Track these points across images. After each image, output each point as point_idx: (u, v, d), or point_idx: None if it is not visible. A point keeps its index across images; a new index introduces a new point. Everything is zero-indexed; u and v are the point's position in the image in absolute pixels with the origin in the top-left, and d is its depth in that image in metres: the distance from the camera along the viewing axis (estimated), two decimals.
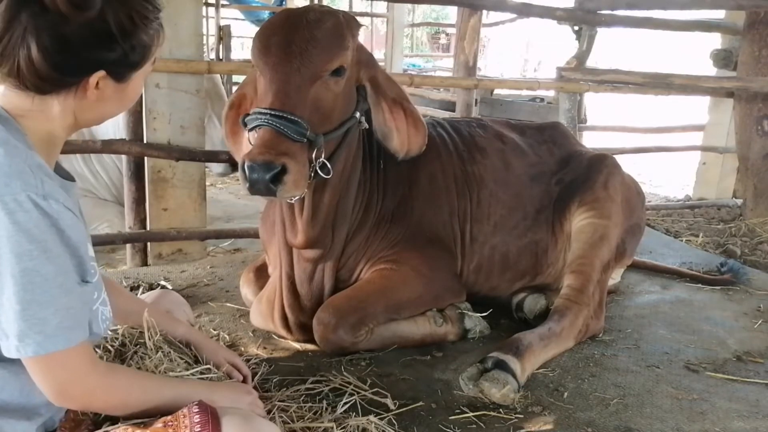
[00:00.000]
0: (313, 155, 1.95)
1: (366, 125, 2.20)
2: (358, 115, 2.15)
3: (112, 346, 1.56)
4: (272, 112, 1.88)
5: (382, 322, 2.31)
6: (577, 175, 2.78)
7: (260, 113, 1.90)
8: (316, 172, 1.98)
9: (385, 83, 2.22)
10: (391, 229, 2.41)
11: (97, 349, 1.51)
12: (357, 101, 2.17)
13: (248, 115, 1.98)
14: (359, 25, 2.15)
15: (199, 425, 1.15)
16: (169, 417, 1.19)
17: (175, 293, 1.99)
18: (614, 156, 2.95)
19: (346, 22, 2.07)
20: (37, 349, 1.09)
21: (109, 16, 1.14)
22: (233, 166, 3.49)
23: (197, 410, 1.18)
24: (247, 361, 2.10)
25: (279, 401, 1.84)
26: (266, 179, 1.80)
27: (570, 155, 2.89)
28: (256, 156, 1.82)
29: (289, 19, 2.03)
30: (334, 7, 2.98)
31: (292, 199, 2.04)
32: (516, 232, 2.69)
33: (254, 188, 1.84)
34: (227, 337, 2.32)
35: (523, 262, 2.71)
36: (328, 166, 2.00)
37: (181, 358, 1.56)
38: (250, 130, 1.96)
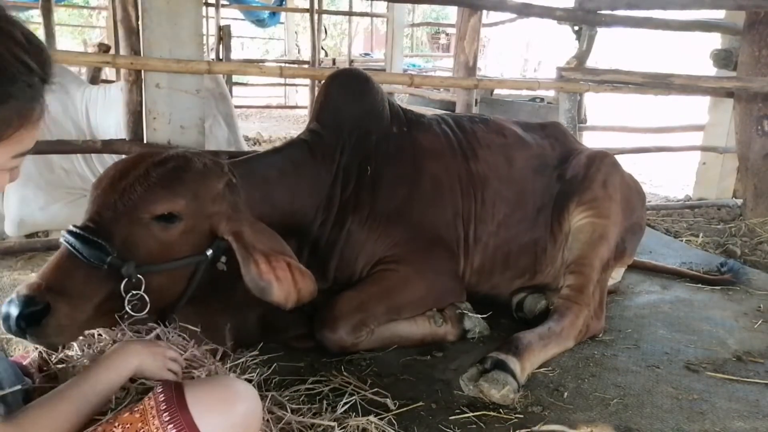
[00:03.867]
0: (122, 287, 1.62)
1: (225, 268, 1.85)
2: (210, 253, 1.81)
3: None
4: (72, 229, 1.64)
5: (383, 323, 2.31)
6: (575, 173, 2.78)
7: (63, 231, 1.66)
8: (126, 310, 1.63)
9: (253, 238, 1.82)
10: (388, 231, 2.40)
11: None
12: (212, 239, 1.83)
13: None
14: (221, 177, 1.87)
15: (164, 403, 1.16)
16: (135, 403, 1.21)
17: None
18: (614, 156, 2.96)
19: (200, 171, 1.82)
20: None
21: None
22: None
23: (160, 390, 1.19)
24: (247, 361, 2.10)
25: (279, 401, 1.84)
26: (16, 317, 1.49)
27: (570, 153, 2.90)
28: (22, 287, 1.54)
29: (137, 158, 1.82)
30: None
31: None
32: (517, 230, 2.69)
33: (3, 325, 1.53)
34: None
35: (522, 261, 2.71)
36: (146, 300, 1.64)
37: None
38: None
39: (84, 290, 1.60)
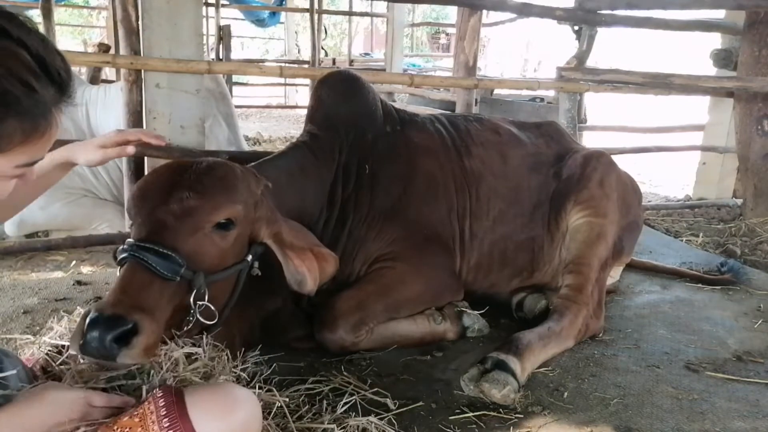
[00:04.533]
0: (191, 298, 1.61)
1: (259, 272, 1.88)
2: (249, 258, 1.84)
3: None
4: (139, 243, 1.58)
5: (382, 321, 2.32)
6: (572, 172, 2.79)
7: (125, 246, 1.60)
8: (196, 319, 1.63)
9: (290, 236, 1.92)
10: (385, 229, 2.41)
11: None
12: (249, 246, 1.87)
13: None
14: (259, 182, 1.89)
15: (164, 408, 1.16)
16: (134, 408, 1.20)
17: None
18: (613, 155, 2.96)
19: (243, 177, 1.83)
20: None
21: None
22: None
23: (160, 395, 1.19)
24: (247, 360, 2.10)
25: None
26: (107, 338, 1.36)
27: (566, 151, 2.91)
28: (105, 306, 1.42)
29: (178, 166, 1.80)
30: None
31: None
32: (514, 226, 2.70)
33: (86, 348, 1.38)
34: None
35: (520, 258, 2.72)
36: (212, 309, 1.65)
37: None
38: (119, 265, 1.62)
39: (161, 304, 1.53)
